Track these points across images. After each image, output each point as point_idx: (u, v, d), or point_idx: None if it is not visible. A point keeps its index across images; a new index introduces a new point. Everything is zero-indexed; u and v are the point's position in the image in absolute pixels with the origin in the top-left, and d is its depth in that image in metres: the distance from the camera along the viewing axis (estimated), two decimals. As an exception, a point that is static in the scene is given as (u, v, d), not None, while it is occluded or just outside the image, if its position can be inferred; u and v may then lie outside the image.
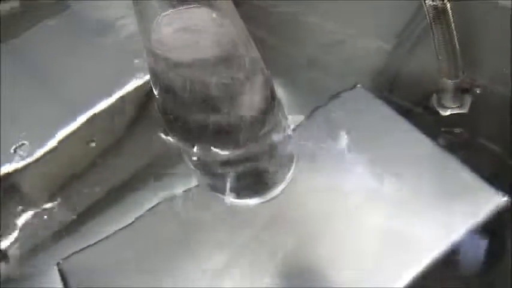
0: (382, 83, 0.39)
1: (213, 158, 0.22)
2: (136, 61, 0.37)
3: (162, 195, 0.36)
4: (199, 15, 0.20)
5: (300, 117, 0.36)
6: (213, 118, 0.20)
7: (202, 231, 0.30)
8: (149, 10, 0.20)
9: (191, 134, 0.21)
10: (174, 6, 0.20)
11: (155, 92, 0.21)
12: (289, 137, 0.25)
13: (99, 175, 0.39)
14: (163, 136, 0.36)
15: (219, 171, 0.23)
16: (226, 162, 0.22)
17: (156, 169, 0.40)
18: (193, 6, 0.20)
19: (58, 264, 0.31)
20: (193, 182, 0.32)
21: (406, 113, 0.35)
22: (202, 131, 0.20)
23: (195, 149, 0.22)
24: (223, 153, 0.21)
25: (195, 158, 0.23)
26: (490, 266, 0.31)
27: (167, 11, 0.20)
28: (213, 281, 0.28)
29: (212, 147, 0.21)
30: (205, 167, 0.24)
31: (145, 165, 0.39)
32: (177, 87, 0.20)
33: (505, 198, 0.28)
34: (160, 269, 0.29)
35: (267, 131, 0.22)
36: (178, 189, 0.34)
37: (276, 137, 0.23)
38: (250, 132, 0.21)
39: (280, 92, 0.41)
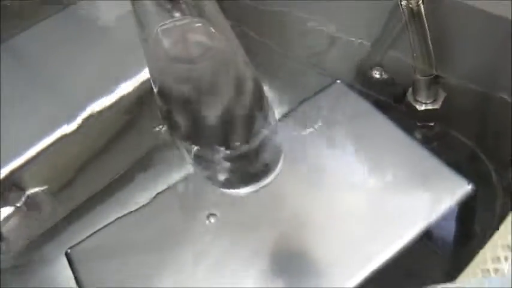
0: (362, 78, 0.42)
1: (209, 154, 0.25)
2: (134, 59, 0.39)
3: (160, 183, 0.38)
4: (195, 27, 0.22)
5: (286, 110, 0.39)
6: (210, 121, 0.22)
7: (199, 218, 0.32)
8: (148, 20, 0.22)
9: (190, 135, 0.23)
10: (171, 17, 0.22)
11: (156, 97, 0.23)
12: (277, 132, 0.28)
13: (100, 167, 0.41)
14: (163, 133, 0.38)
15: (215, 165, 0.25)
16: (222, 158, 0.25)
17: (153, 160, 0.42)
18: (189, 18, 0.22)
19: (66, 252, 0.33)
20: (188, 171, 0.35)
21: (384, 106, 0.38)
22: (200, 132, 0.23)
23: (193, 147, 0.24)
24: (219, 150, 0.24)
25: (193, 154, 0.25)
26: (462, 246, 0.34)
27: (165, 22, 0.22)
28: (209, 261, 0.31)
29: (209, 146, 0.24)
30: (202, 161, 0.26)
31: (144, 156, 0.42)
32: (177, 94, 0.22)
33: (471, 186, 0.31)
34: (161, 252, 0.31)
35: (258, 129, 0.25)
36: (175, 178, 0.37)
37: (265, 134, 0.26)
38: (243, 132, 0.24)
39: (267, 85, 0.44)
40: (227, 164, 0.25)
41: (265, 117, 0.25)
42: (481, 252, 0.20)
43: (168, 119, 0.24)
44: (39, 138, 0.37)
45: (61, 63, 0.41)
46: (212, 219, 0.32)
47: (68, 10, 0.44)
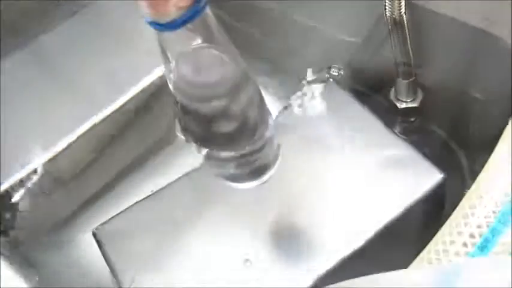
0: (350, 75, 0.46)
1: (219, 155, 0.30)
2: (147, 60, 0.43)
3: (175, 167, 0.43)
4: (209, 54, 0.27)
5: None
6: (221, 130, 0.27)
7: (210, 203, 0.37)
8: (169, 48, 0.26)
9: (204, 140, 0.28)
10: (188, 45, 0.26)
11: (177, 110, 0.28)
12: (276, 134, 0.33)
13: (118, 155, 0.46)
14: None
15: (223, 164, 0.30)
16: (229, 158, 0.30)
17: (165, 150, 0.47)
18: (204, 46, 0.26)
19: (93, 232, 0.38)
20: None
21: (369, 102, 0.42)
22: (212, 139, 0.28)
23: (205, 150, 0.29)
24: (227, 152, 0.29)
25: (204, 155, 0.30)
26: (432, 228, 0.39)
27: (184, 50, 0.26)
28: (221, 239, 0.36)
29: (218, 150, 0.29)
30: (212, 160, 0.31)
31: (157, 148, 0.47)
32: (193, 109, 0.27)
33: (442, 175, 0.36)
34: (178, 231, 0.36)
35: (261, 133, 0.30)
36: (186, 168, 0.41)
37: (266, 137, 0.31)
38: (248, 137, 0.29)
39: (262, 78, 0.48)
40: (234, 163, 0.30)
41: (266, 122, 0.30)
42: (428, 244, 0.25)
43: (184, 125, 0.29)
44: (65, 130, 0.42)
45: (80, 64, 0.45)
46: (222, 204, 0.37)
47: (85, 11, 0.48)
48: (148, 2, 0.21)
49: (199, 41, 0.26)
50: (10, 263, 0.31)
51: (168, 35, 0.25)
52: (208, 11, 0.23)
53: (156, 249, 0.36)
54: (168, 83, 0.27)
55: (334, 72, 0.42)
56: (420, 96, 0.40)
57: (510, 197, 0.22)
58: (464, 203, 0.24)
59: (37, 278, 0.36)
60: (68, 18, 0.47)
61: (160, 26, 0.22)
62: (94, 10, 0.48)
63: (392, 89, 0.41)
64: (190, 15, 0.22)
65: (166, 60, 0.26)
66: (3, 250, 0.32)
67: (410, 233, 0.38)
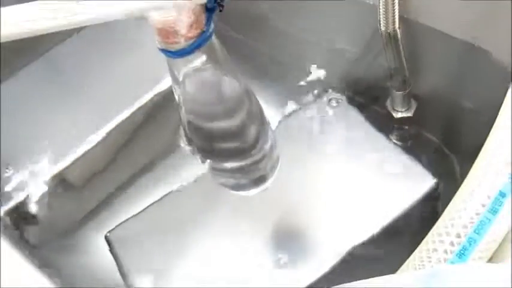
0: (348, 85, 0.48)
1: (221, 166, 0.32)
2: (154, 72, 0.46)
3: (179, 178, 0.45)
4: (213, 74, 0.29)
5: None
6: (223, 144, 0.29)
7: (215, 208, 0.39)
8: (177, 69, 0.28)
9: (207, 152, 0.31)
10: (194, 66, 0.28)
11: (183, 124, 0.30)
12: (276, 144, 0.35)
13: (127, 160, 0.48)
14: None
15: (226, 174, 0.33)
16: (231, 169, 0.32)
17: (173, 158, 0.49)
18: (208, 66, 0.29)
19: (105, 236, 0.40)
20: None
21: (366, 111, 0.44)
22: (215, 152, 0.30)
23: (208, 161, 0.32)
24: (229, 164, 0.31)
25: (208, 165, 0.32)
26: (425, 231, 0.41)
27: (189, 71, 0.29)
28: (225, 242, 0.38)
29: (221, 161, 0.31)
30: (215, 170, 0.33)
31: (164, 155, 0.49)
32: (198, 125, 0.29)
33: (435, 180, 0.38)
34: (185, 235, 0.38)
35: (260, 146, 0.32)
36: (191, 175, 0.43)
37: (266, 148, 0.33)
38: (249, 150, 0.31)
39: (261, 89, 0.50)
40: (236, 173, 0.32)
41: (267, 135, 0.33)
42: (414, 251, 0.27)
43: (189, 138, 0.31)
44: (76, 139, 0.44)
45: (89, 76, 0.47)
46: (225, 211, 0.39)
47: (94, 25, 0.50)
48: (160, 33, 0.23)
49: (204, 59, 0.28)
50: (33, 264, 0.33)
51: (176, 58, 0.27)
52: (213, 38, 0.26)
53: (165, 252, 0.38)
54: (176, 97, 0.29)
55: (333, 103, 0.44)
56: (414, 106, 0.42)
57: (486, 208, 0.24)
58: (446, 212, 0.26)
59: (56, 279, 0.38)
60: (77, 31, 0.49)
61: (171, 53, 0.25)
62: (102, 23, 0.50)
63: (388, 101, 0.43)
64: (197, 44, 0.24)
65: (174, 78, 0.28)
66: (28, 254, 0.34)
67: (404, 237, 0.40)
